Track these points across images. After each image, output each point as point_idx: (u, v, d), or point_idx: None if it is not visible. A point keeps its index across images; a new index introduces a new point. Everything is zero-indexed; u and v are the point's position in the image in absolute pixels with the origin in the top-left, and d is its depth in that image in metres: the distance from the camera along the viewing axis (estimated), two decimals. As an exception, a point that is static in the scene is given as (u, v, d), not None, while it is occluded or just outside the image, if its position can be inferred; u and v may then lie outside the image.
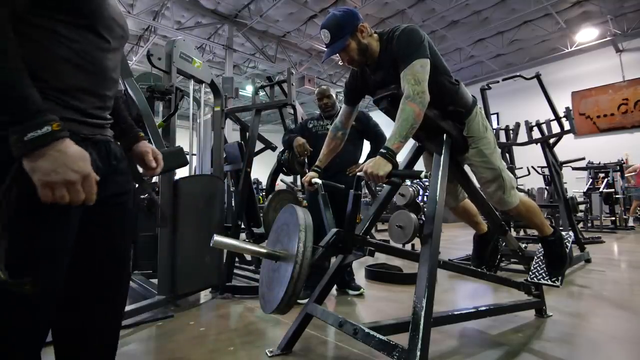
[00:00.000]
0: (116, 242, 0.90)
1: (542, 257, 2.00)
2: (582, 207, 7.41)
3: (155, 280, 2.43)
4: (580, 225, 7.12)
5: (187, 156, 2.76)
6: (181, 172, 2.03)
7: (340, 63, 11.61)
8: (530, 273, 2.00)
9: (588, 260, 3.76)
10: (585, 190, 7.34)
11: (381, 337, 1.31)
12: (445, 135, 1.65)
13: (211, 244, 1.15)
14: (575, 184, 9.04)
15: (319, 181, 1.81)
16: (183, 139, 2.73)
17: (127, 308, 1.92)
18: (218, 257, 2.64)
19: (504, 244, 2.25)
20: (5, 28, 0.61)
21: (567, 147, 6.65)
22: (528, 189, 8.61)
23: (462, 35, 10.13)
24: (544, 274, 1.94)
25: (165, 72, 2.39)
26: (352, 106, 1.90)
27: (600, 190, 7.09)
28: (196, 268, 2.40)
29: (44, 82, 0.70)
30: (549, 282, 1.89)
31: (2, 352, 0.68)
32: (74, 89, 0.75)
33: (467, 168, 1.85)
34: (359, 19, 1.61)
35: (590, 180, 7.65)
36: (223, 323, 2.14)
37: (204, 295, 2.65)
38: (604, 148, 10.18)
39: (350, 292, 2.70)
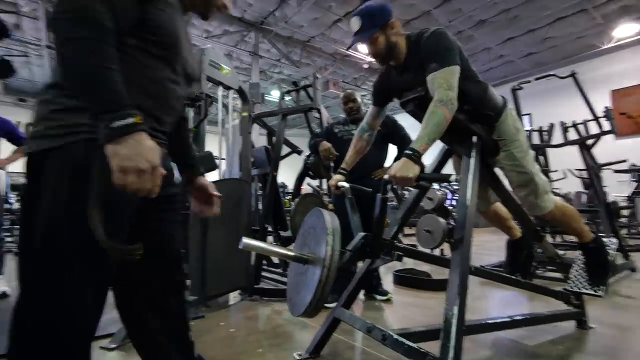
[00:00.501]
0: (169, 245, 0.99)
1: (582, 265, 1.89)
2: (625, 212, 6.96)
3: (187, 282, 2.50)
4: (624, 231, 6.69)
5: (216, 160, 2.84)
6: (210, 176, 2.08)
7: (365, 66, 11.59)
8: (570, 281, 1.89)
9: (633, 269, 3.52)
10: (629, 195, 6.88)
11: (411, 344, 1.28)
12: (475, 137, 1.60)
13: (240, 247, 1.16)
14: (617, 187, 8.50)
15: (346, 185, 1.79)
16: (212, 144, 2.81)
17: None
18: (246, 259, 2.68)
19: (539, 250, 2.14)
20: (111, 40, 0.71)
21: (607, 149, 6.27)
22: (564, 193, 8.20)
23: (490, 35, 9.83)
24: (584, 283, 1.83)
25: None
26: (379, 107, 1.87)
27: (647, 194, 6.63)
28: (225, 270, 2.45)
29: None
30: (591, 292, 1.78)
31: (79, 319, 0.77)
32: (146, 114, 0.82)
33: (498, 170, 1.78)
34: (391, 15, 1.60)
35: (635, 183, 7.16)
36: (251, 325, 2.16)
37: (233, 296, 2.69)
38: (648, 149, 9.56)
39: (378, 297, 2.66)
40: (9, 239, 5.52)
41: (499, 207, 1.96)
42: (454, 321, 1.20)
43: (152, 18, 0.82)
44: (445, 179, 1.35)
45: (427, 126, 1.35)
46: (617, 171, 6.31)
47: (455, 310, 1.21)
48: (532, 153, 1.77)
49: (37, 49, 10.11)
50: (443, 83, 1.39)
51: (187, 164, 1.13)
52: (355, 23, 1.59)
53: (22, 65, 11.28)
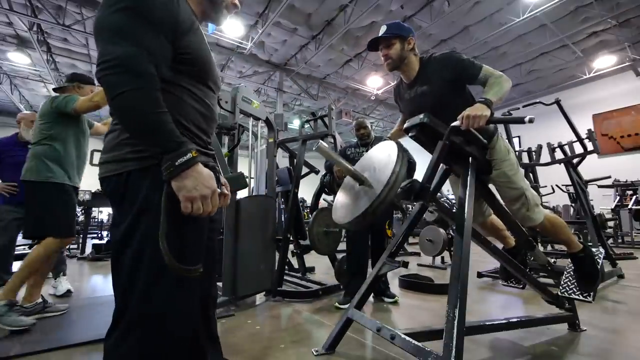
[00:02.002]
0: (215, 248, 1.00)
1: (572, 272, 1.79)
2: (610, 223, 6.63)
3: (219, 283, 2.50)
4: (610, 241, 6.34)
5: (247, 179, 2.88)
6: (242, 193, 2.11)
7: (372, 98, 11.67)
8: (561, 288, 1.80)
9: (621, 276, 3.32)
10: (613, 207, 6.56)
11: (417, 343, 1.23)
12: (470, 158, 1.57)
13: (316, 147, 1.23)
14: (601, 200, 8.14)
15: None
16: (243, 166, 2.86)
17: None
18: (271, 265, 2.67)
19: (532, 258, 2.05)
20: (156, 85, 0.70)
21: (591, 166, 6.05)
22: (553, 206, 7.89)
23: (482, 69, 9.78)
24: (574, 289, 1.73)
25: (231, 112, 2.54)
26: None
27: (630, 207, 6.31)
28: (253, 274, 2.45)
29: (181, 124, 0.80)
30: (581, 298, 1.68)
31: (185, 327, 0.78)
32: (198, 129, 0.85)
33: (492, 187, 1.74)
34: (412, 34, 1.63)
35: (618, 197, 6.83)
36: (275, 323, 2.14)
37: (259, 297, 2.68)
38: (629, 166, 9.16)
39: (386, 299, 2.59)
40: (73, 246, 5.71)
41: (494, 219, 1.91)
42: (455, 322, 1.15)
43: (188, 52, 0.80)
44: (520, 120, 1.26)
45: (496, 86, 1.42)
46: (601, 186, 6.06)
47: (456, 312, 1.16)
48: (522, 171, 1.72)
49: (103, 89, 10.68)
50: (491, 70, 1.50)
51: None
52: (382, 29, 1.63)
53: (91, 102, 11.89)
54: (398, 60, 1.61)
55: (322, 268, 3.97)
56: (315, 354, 1.59)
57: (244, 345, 1.74)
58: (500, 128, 3.60)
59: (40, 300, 2.20)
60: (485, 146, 1.61)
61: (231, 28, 7.73)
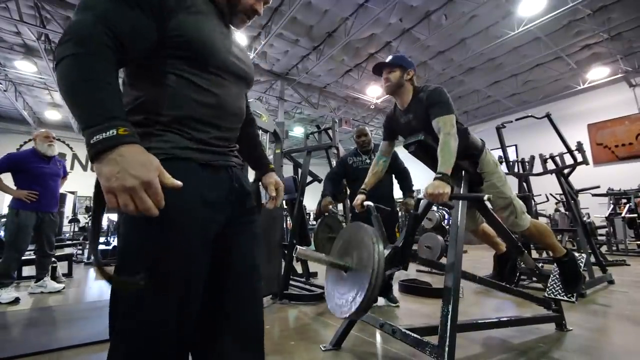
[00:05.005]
0: (248, 261, 0.83)
1: (557, 276, 1.97)
2: (604, 230, 6.81)
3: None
4: (605, 248, 6.52)
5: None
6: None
7: (372, 107, 11.93)
8: (547, 290, 1.97)
9: (611, 282, 3.48)
10: (607, 216, 6.76)
11: (416, 336, 1.40)
12: (463, 172, 1.77)
13: (294, 254, 1.26)
14: (597, 209, 8.34)
15: (371, 204, 1.84)
16: (251, 175, 3.04)
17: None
18: (278, 269, 2.84)
19: (522, 263, 2.23)
20: (101, 53, 0.58)
21: (587, 175, 6.26)
22: (549, 214, 8.09)
23: (478, 79, 10.07)
24: (560, 291, 1.91)
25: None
26: (390, 140, 2.06)
27: (623, 215, 6.51)
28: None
29: (168, 116, 0.70)
30: (565, 298, 1.86)
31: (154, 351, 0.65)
32: (201, 123, 0.74)
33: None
34: (413, 67, 1.84)
35: (612, 205, 7.04)
36: (283, 323, 2.29)
37: (266, 300, 2.83)
38: (624, 175, 9.39)
39: (389, 303, 2.73)
40: (79, 251, 5.84)
41: (486, 227, 2.09)
42: (449, 317, 1.33)
43: (180, 34, 0.70)
44: (478, 198, 1.42)
45: (445, 154, 1.52)
46: (594, 195, 6.26)
47: (450, 307, 1.34)
48: (509, 182, 1.91)
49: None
50: (448, 124, 1.59)
51: (256, 163, 1.02)
52: (388, 58, 1.85)
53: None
54: (395, 86, 1.81)
55: (324, 273, 4.13)
56: (323, 349, 1.76)
57: (257, 342, 1.89)
58: (496, 138, 3.80)
59: None
60: (476, 160, 1.81)
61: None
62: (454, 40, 8.14)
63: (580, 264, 1.91)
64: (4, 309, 2.65)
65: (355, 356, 1.71)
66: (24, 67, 9.08)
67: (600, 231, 6.85)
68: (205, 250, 0.72)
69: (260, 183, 1.04)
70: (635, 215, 6.34)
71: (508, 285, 2.01)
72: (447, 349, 1.24)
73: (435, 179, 1.47)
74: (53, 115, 12.19)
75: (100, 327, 2.13)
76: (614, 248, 6.57)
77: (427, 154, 1.70)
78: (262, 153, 1.04)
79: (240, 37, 7.92)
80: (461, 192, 1.73)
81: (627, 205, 6.57)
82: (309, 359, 1.68)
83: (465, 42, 8.21)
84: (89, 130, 0.53)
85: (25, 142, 10.47)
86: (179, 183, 0.59)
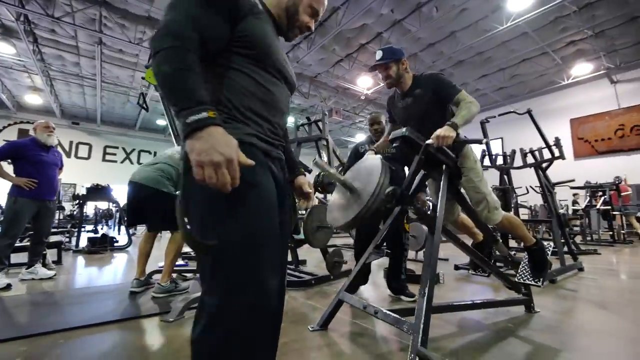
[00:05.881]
0: (286, 237, 0.99)
1: (527, 262, 2.15)
2: (579, 222, 7.18)
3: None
4: (580, 238, 6.88)
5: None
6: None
7: (362, 97, 11.99)
8: (518, 275, 2.15)
9: (581, 269, 3.74)
10: (583, 207, 7.11)
11: (395, 315, 1.54)
12: (444, 166, 1.89)
13: (313, 162, 1.38)
14: (579, 200, 8.73)
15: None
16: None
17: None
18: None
19: (496, 252, 2.40)
20: (191, 46, 0.69)
21: (568, 168, 6.56)
22: (531, 206, 8.43)
23: (467, 72, 10.24)
24: (528, 276, 2.09)
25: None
26: (394, 123, 2.21)
27: (597, 207, 6.86)
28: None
29: (231, 104, 0.80)
30: (532, 283, 2.03)
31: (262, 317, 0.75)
32: (254, 113, 0.82)
33: (462, 190, 2.07)
34: (404, 55, 1.96)
35: (588, 198, 7.40)
36: (273, 307, 2.41)
37: (257, 286, 2.94)
38: (602, 169, 9.81)
39: (405, 298, 2.61)
40: (67, 239, 5.82)
41: (465, 217, 2.24)
42: (425, 298, 1.47)
43: (246, 34, 0.80)
44: (478, 141, 1.62)
45: (465, 113, 1.72)
46: (572, 187, 6.57)
47: (426, 290, 1.48)
48: (485, 178, 2.05)
49: (91, 82, 10.61)
50: (466, 96, 1.80)
51: (288, 165, 1.08)
52: (378, 54, 1.95)
53: (79, 94, 11.78)
54: (396, 80, 1.95)
55: (313, 261, 4.27)
56: (310, 329, 1.89)
57: (249, 324, 2.00)
58: (480, 133, 3.97)
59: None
60: (457, 155, 1.93)
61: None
62: (444, 33, 8.23)
63: (548, 252, 2.09)
64: (-4, 295, 2.69)
65: (340, 335, 1.85)
66: (2, 49, 8.74)
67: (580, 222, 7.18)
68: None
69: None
70: (609, 207, 6.70)
71: (486, 259, 2.11)
72: (422, 326, 1.38)
73: (446, 125, 1.65)
74: (34, 99, 11.82)
75: (98, 311, 2.22)
76: (589, 238, 6.94)
77: (412, 150, 1.81)
78: (294, 157, 1.13)
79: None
80: (442, 185, 1.86)
81: (602, 198, 6.92)
82: (297, 338, 1.81)
83: (455, 35, 8.32)
84: (184, 111, 0.63)
85: (4, 127, 10.13)
86: (252, 162, 0.69)
